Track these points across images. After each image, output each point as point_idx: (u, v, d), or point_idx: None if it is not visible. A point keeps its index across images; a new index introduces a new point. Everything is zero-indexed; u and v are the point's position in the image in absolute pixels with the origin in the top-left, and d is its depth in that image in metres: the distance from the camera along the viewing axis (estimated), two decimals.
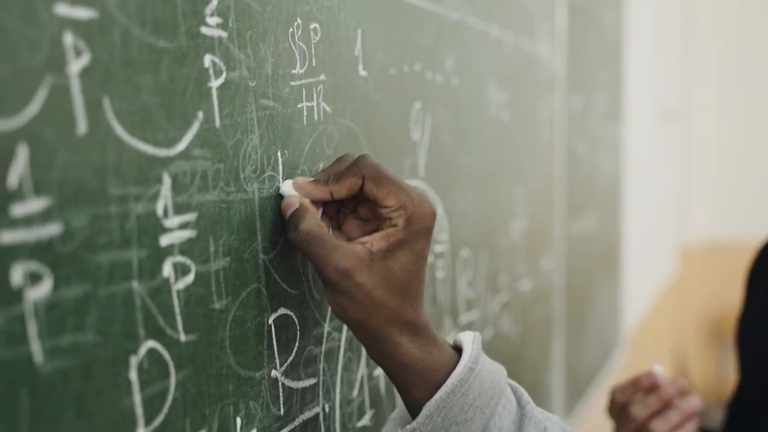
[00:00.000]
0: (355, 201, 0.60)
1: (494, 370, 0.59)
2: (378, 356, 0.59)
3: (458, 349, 0.60)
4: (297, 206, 0.58)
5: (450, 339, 0.62)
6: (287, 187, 0.59)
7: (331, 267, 0.55)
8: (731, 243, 3.89)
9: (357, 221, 0.61)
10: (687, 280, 3.99)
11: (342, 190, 0.58)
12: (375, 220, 0.60)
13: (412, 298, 0.58)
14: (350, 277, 0.55)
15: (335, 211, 0.61)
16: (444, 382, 0.57)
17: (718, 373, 4.52)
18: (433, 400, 0.57)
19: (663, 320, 3.31)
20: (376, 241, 0.57)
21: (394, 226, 0.57)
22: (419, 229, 0.58)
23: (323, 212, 0.60)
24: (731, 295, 4.62)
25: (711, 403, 4.36)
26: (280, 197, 0.59)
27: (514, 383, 0.61)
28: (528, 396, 0.61)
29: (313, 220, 0.57)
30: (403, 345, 0.57)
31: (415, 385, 0.58)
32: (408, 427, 0.58)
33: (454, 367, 0.58)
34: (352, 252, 0.56)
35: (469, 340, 0.60)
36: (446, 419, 0.57)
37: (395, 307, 0.57)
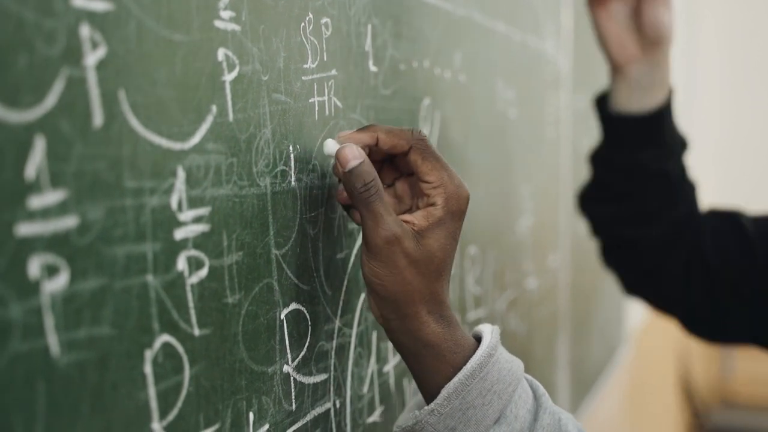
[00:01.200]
0: (395, 173, 0.61)
1: (512, 360, 0.60)
2: (402, 334, 0.58)
3: (476, 339, 0.61)
4: (362, 160, 0.57)
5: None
6: (333, 144, 0.58)
7: (383, 230, 0.56)
8: None
9: (391, 199, 0.61)
10: None
11: (387, 142, 0.59)
12: (410, 200, 0.61)
13: (443, 278, 0.59)
14: (399, 243, 0.56)
15: None
16: (463, 366, 0.58)
17: (721, 371, 4.51)
18: (452, 383, 0.57)
19: (667, 318, 3.30)
20: (417, 220, 0.58)
21: (433, 204, 0.59)
22: (455, 211, 0.59)
23: None
24: None
25: (713, 403, 4.36)
26: (292, 193, 0.59)
27: (529, 377, 0.62)
28: (543, 389, 0.61)
29: (379, 180, 0.57)
30: (430, 323, 0.58)
31: (435, 366, 0.58)
32: (426, 408, 0.58)
33: (473, 352, 0.58)
34: (402, 223, 0.57)
35: (488, 330, 0.60)
36: (464, 402, 0.57)
37: (429, 284, 0.58)
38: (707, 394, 4.30)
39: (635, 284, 1.12)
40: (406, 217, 0.59)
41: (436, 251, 0.58)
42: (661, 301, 1.10)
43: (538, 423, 0.59)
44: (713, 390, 4.45)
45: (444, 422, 0.57)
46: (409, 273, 0.57)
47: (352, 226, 0.68)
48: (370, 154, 0.59)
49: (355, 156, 0.57)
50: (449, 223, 0.59)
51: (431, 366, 0.58)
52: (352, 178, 0.57)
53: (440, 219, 0.58)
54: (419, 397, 0.62)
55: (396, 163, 0.62)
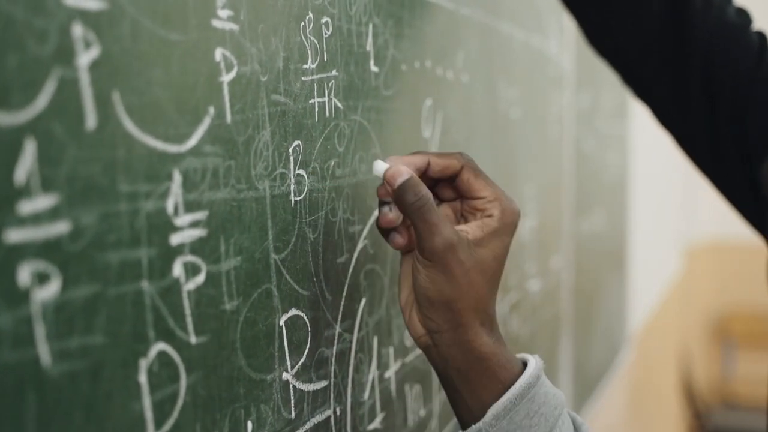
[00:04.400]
0: (437, 201, 0.61)
1: (555, 388, 0.59)
2: (453, 346, 0.57)
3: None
4: (410, 176, 0.57)
5: None
6: (382, 164, 0.58)
7: (439, 238, 0.55)
8: (736, 242, 3.87)
9: None
10: (692, 279, 3.97)
11: (440, 164, 0.59)
12: (455, 222, 0.60)
13: (494, 291, 0.58)
14: (455, 251, 0.56)
15: None
16: (512, 384, 0.56)
17: (722, 372, 4.50)
18: (500, 402, 0.56)
19: (668, 319, 3.30)
20: (471, 229, 0.58)
21: (489, 216, 0.58)
22: (509, 223, 0.59)
23: None
24: (736, 295, 4.61)
25: (715, 403, 4.35)
26: (291, 196, 0.58)
27: (572, 412, 0.61)
28: (582, 420, 0.60)
29: (430, 193, 0.57)
30: (483, 336, 0.57)
31: (483, 382, 0.57)
32: (474, 426, 0.56)
33: (521, 371, 0.58)
34: (457, 230, 0.57)
35: (531, 357, 0.60)
36: (512, 422, 0.56)
37: (483, 294, 0.57)
38: (708, 395, 4.29)
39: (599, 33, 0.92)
40: (462, 226, 0.58)
41: (490, 261, 0.57)
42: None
43: None
44: (714, 391, 4.44)
45: None
46: (465, 281, 0.56)
47: (353, 230, 0.67)
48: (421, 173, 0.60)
49: (402, 173, 0.57)
50: (503, 235, 0.58)
51: (480, 381, 0.57)
52: (403, 193, 0.57)
53: (496, 230, 0.58)
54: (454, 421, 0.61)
55: (437, 190, 0.61)
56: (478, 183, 0.60)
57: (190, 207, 0.47)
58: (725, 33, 0.84)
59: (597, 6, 0.88)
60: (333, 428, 0.64)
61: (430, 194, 0.57)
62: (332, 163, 0.63)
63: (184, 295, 0.47)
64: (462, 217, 0.61)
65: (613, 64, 0.92)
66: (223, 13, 0.50)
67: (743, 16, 0.86)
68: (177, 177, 0.46)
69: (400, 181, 0.57)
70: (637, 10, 0.86)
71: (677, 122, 0.89)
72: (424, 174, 0.60)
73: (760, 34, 0.85)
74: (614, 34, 0.88)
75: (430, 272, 0.56)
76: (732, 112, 0.83)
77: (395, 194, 0.57)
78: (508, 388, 0.56)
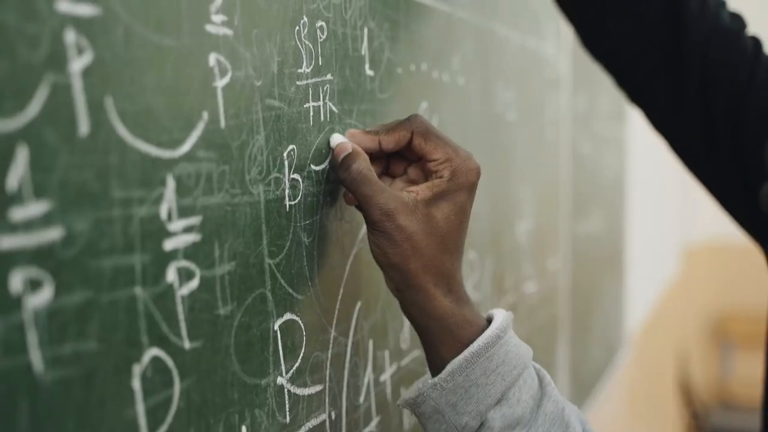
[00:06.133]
0: (405, 163, 0.63)
1: (520, 345, 0.60)
2: (410, 307, 0.59)
3: (488, 320, 0.61)
4: (350, 150, 0.60)
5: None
6: (337, 137, 0.62)
7: (375, 207, 0.57)
8: (735, 243, 3.87)
9: (405, 184, 0.63)
10: (690, 280, 3.98)
11: (390, 141, 0.61)
12: (424, 182, 0.62)
13: (451, 250, 0.59)
14: (393, 218, 0.57)
15: (381, 170, 0.63)
16: (471, 343, 0.58)
17: (720, 373, 4.50)
18: (456, 360, 0.57)
19: (666, 320, 3.30)
20: (421, 190, 0.59)
21: (440, 177, 0.60)
22: (463, 182, 0.60)
23: None
24: (734, 296, 4.61)
25: (713, 404, 4.35)
26: (286, 200, 0.58)
27: (538, 365, 0.62)
28: (550, 379, 0.61)
29: (364, 163, 0.59)
30: (437, 297, 0.58)
31: (442, 341, 0.58)
32: (429, 381, 0.58)
33: (482, 331, 0.59)
34: (398, 196, 0.58)
35: (500, 314, 0.60)
36: (467, 379, 0.57)
37: (433, 255, 0.58)
38: (706, 396, 4.29)
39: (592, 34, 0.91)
40: (413, 188, 0.60)
41: (439, 222, 0.58)
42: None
43: (541, 410, 0.59)
44: (712, 391, 4.44)
45: (446, 397, 0.57)
46: (409, 245, 0.57)
47: (348, 234, 0.67)
48: (374, 152, 0.62)
49: (344, 149, 0.60)
50: (456, 196, 0.59)
51: (438, 340, 0.58)
52: (338, 170, 0.60)
53: (445, 191, 0.59)
54: (428, 374, 0.62)
55: (403, 153, 0.63)
56: (428, 146, 0.61)
57: (183, 212, 0.47)
58: (721, 37, 0.84)
59: (593, 9, 0.88)
60: None
61: (360, 166, 0.59)
62: (327, 167, 0.63)
63: (178, 301, 0.47)
64: (428, 178, 0.62)
65: (608, 67, 0.92)
66: (217, 18, 0.50)
67: (738, 21, 0.86)
68: (170, 182, 0.46)
69: (339, 158, 0.60)
70: (633, 13, 0.86)
71: (672, 127, 0.89)
72: (380, 151, 0.62)
73: (755, 39, 0.85)
74: (610, 37, 0.88)
75: (376, 238, 0.58)
76: (727, 116, 0.83)
77: (337, 172, 0.61)
78: (467, 346, 0.58)
